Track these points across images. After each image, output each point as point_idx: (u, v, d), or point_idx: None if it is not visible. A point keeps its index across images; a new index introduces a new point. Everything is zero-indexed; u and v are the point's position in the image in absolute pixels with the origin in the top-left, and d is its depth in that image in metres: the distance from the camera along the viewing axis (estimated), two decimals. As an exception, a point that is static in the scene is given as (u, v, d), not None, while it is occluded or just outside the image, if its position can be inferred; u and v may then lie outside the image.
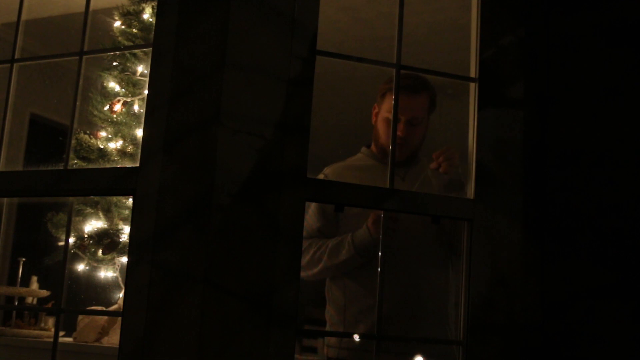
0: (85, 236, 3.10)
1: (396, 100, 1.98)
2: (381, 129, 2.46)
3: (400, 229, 2.34)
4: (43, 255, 3.17)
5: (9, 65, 2.16)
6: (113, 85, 3.18)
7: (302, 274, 2.44)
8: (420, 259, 2.40)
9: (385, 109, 2.44)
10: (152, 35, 1.95)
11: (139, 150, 1.87)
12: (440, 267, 2.41)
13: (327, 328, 2.50)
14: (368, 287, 2.35)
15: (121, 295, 3.14)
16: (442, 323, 2.38)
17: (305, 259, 2.41)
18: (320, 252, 2.41)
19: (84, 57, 2.06)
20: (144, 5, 3.11)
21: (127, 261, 1.83)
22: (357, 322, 2.38)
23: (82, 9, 2.08)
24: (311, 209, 2.49)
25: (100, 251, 3.08)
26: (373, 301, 1.95)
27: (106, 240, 3.06)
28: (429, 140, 2.53)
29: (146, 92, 1.89)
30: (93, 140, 3.11)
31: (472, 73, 2.02)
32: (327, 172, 2.51)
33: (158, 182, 1.79)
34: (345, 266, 2.39)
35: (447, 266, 2.42)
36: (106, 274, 3.23)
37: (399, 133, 2.39)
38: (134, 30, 3.11)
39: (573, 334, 1.92)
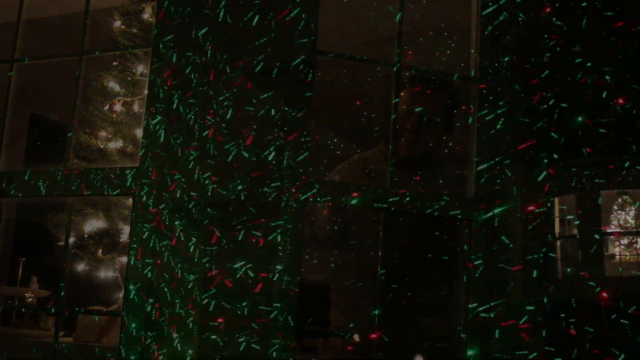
0: (85, 236, 3.10)
1: (396, 97, 1.97)
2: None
3: None
4: (43, 255, 3.17)
5: (9, 65, 2.16)
6: (113, 85, 3.18)
7: None
8: (422, 262, 2.36)
9: (400, 102, 2.33)
10: (152, 35, 1.95)
11: (139, 150, 1.88)
12: (442, 268, 2.38)
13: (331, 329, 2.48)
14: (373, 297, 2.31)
15: (121, 295, 3.14)
16: (445, 324, 2.35)
17: None
18: None
19: (84, 57, 2.06)
20: (144, 5, 3.11)
21: (127, 261, 1.83)
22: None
23: (82, 9, 2.08)
24: None
25: (100, 251, 3.07)
26: (380, 311, 1.92)
27: (106, 240, 3.06)
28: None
29: (146, 92, 1.89)
30: (93, 140, 3.11)
31: (472, 73, 2.02)
32: (336, 171, 2.41)
33: (158, 182, 1.79)
34: None
35: (449, 267, 2.39)
36: (106, 274, 3.23)
37: (408, 126, 2.33)
38: (134, 30, 3.10)
39: (573, 334, 1.92)
